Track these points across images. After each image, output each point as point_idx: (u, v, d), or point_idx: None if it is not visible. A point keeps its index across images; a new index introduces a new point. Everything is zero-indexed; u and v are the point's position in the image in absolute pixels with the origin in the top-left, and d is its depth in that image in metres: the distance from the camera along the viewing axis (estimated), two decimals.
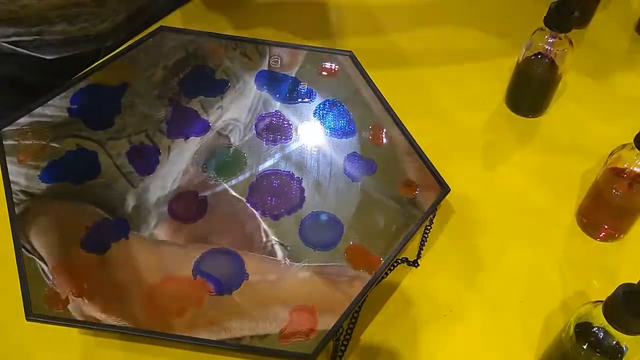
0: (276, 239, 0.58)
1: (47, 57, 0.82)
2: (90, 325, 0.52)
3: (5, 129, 0.63)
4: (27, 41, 0.80)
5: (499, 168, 0.76)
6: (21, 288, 0.53)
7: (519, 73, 0.80)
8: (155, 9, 0.90)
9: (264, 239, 0.58)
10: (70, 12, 0.78)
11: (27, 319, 0.51)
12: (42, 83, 0.71)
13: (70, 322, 0.52)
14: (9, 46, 0.79)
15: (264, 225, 0.59)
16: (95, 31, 0.83)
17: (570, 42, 0.74)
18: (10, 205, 0.58)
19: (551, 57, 0.76)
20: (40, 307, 0.52)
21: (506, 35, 0.92)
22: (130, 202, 0.60)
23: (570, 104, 0.84)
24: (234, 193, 0.61)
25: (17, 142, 0.63)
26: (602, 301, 0.49)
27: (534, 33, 0.75)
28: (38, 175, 0.60)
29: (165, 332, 0.52)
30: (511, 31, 0.92)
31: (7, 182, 0.59)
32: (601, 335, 0.51)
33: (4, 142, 0.62)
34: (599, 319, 0.50)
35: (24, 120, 0.64)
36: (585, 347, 0.51)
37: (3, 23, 0.77)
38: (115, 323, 0.52)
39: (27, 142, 0.63)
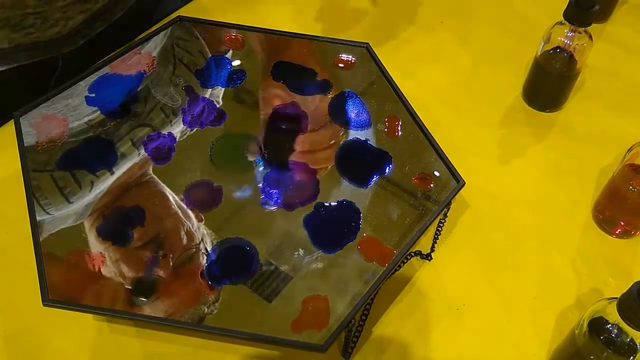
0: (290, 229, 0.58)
1: None
2: (104, 311, 0.53)
3: (24, 116, 0.64)
4: None
5: (514, 163, 0.76)
6: (38, 273, 0.53)
7: (536, 67, 0.79)
8: (114, 13, 0.80)
9: (277, 230, 0.58)
10: (12, 13, 0.69)
11: (44, 304, 0.52)
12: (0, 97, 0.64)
13: (85, 308, 0.53)
14: None
15: (276, 216, 0.59)
16: (45, 37, 0.73)
17: (590, 37, 0.73)
18: (28, 191, 0.58)
19: (570, 52, 0.75)
20: (56, 292, 0.53)
21: (524, 29, 0.91)
22: (146, 190, 0.60)
23: (589, 99, 0.83)
24: (248, 184, 0.61)
25: (35, 130, 0.63)
26: (616, 298, 0.49)
27: (552, 27, 0.75)
28: (55, 162, 0.61)
29: (178, 320, 0.52)
30: (529, 25, 0.91)
31: (26, 169, 0.60)
32: (615, 332, 0.50)
33: (22, 129, 0.63)
34: (613, 316, 0.49)
35: (41, 108, 0.65)
36: (598, 344, 0.51)
37: None
38: (129, 310, 0.53)
39: (44, 129, 0.63)
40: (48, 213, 0.58)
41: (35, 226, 0.56)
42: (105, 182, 0.60)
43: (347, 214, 0.59)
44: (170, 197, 0.60)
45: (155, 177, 0.61)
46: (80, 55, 0.79)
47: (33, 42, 0.73)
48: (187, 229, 0.58)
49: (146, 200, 0.59)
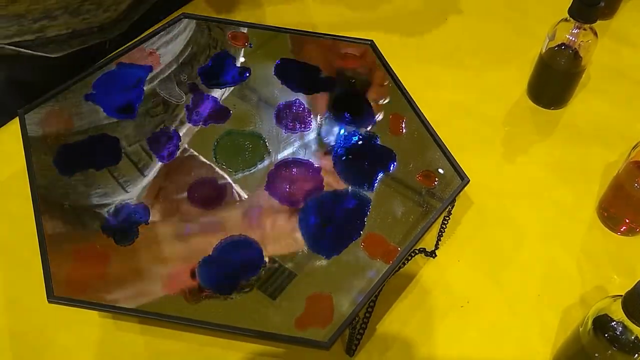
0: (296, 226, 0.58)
1: (53, 55, 0.76)
2: (109, 308, 0.53)
3: (29, 113, 0.64)
4: (30, 40, 0.74)
5: (519, 160, 0.76)
6: (43, 270, 0.54)
7: (541, 64, 0.79)
8: None
9: (283, 226, 0.58)
10: (72, 0, 0.73)
11: (49, 301, 0.52)
12: (51, 83, 0.67)
13: (90, 305, 0.53)
14: (12, 47, 0.73)
15: (282, 213, 0.59)
16: (98, 22, 0.78)
17: (595, 33, 0.73)
18: (33, 188, 0.58)
19: (575, 49, 0.75)
20: (61, 289, 0.53)
21: (529, 26, 0.91)
22: (151, 188, 0.60)
23: (594, 96, 0.83)
24: (252, 181, 0.61)
25: (40, 127, 0.63)
26: (621, 296, 0.49)
27: (557, 24, 0.74)
28: (61, 160, 0.61)
29: (183, 317, 0.52)
30: (534, 22, 0.91)
31: (31, 166, 0.60)
32: (619, 330, 0.50)
33: (27, 127, 0.63)
34: (618, 314, 0.49)
35: (47, 105, 0.65)
36: (603, 341, 0.51)
37: (3, 21, 0.71)
38: (134, 307, 0.53)
39: (50, 126, 0.64)
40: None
41: (40, 221, 0.57)
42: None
43: (352, 212, 0.59)
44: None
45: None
46: (124, 40, 0.80)
47: (87, 27, 0.77)
48: None
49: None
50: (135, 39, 0.72)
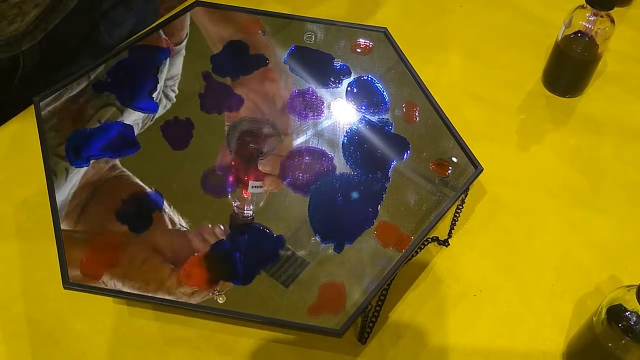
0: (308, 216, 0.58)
1: None
2: (123, 294, 0.54)
3: (44, 101, 0.64)
4: None
5: (533, 149, 0.75)
6: (59, 257, 0.54)
7: (557, 52, 0.78)
8: (67, 4, 0.76)
9: (294, 215, 0.58)
10: None
11: (64, 287, 0.53)
12: None
13: (104, 291, 0.53)
14: None
15: (293, 202, 0.59)
16: (4, 35, 0.71)
17: (612, 21, 0.72)
18: (49, 177, 0.59)
19: (591, 36, 0.74)
20: (76, 276, 0.54)
21: (545, 13, 0.90)
22: (164, 176, 0.61)
23: (610, 85, 0.82)
24: (266, 169, 0.62)
25: (55, 116, 0.64)
26: (635, 285, 0.49)
27: (574, 11, 0.73)
28: (77, 148, 0.62)
29: (196, 304, 0.53)
30: (550, 9, 0.90)
31: (46, 155, 0.60)
32: (634, 319, 0.50)
33: (42, 114, 0.63)
34: (632, 303, 0.49)
35: (62, 94, 0.65)
36: (617, 331, 0.51)
37: None
38: (147, 294, 0.53)
39: (64, 114, 0.64)
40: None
41: (56, 209, 0.57)
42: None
43: (365, 200, 0.59)
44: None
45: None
46: (41, 51, 0.77)
47: None
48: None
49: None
50: (150, 27, 0.72)
